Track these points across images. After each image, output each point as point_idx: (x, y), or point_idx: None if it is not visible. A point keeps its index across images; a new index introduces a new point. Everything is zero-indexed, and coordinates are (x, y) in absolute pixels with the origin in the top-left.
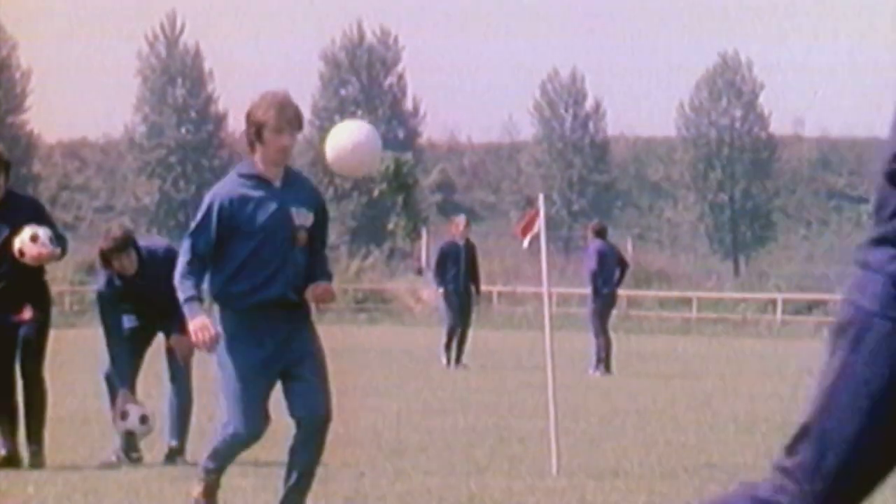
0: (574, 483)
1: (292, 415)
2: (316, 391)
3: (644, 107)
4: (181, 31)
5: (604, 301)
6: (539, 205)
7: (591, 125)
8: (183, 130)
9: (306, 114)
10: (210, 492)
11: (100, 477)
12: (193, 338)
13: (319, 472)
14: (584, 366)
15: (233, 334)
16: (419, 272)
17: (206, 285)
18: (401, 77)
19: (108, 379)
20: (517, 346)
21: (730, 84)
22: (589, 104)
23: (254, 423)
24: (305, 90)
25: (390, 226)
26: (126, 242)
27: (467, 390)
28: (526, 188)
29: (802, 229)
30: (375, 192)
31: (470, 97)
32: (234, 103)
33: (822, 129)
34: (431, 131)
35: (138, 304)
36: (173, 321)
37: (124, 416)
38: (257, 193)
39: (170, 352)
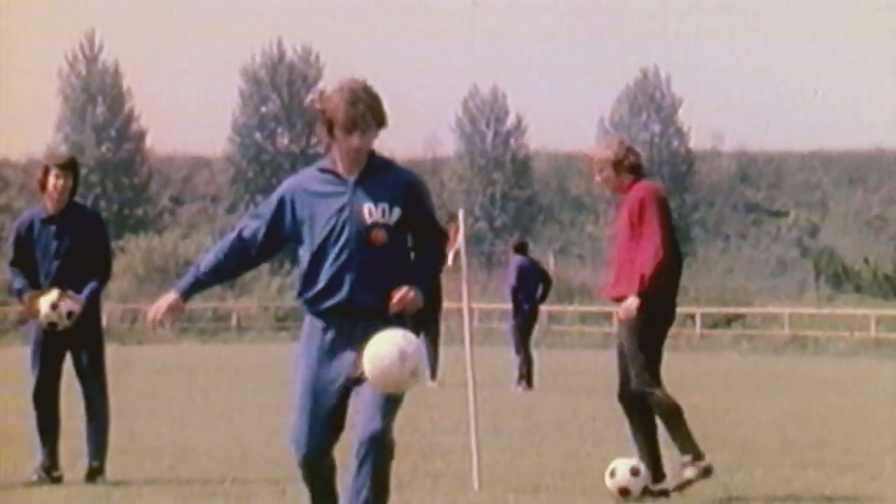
0: (496, 497)
1: (353, 440)
2: (373, 406)
3: (565, 122)
4: (100, 50)
5: (525, 317)
6: (460, 220)
7: (512, 141)
8: (104, 149)
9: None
10: None
11: (22, 496)
12: (150, 311)
13: (238, 489)
14: (505, 381)
15: (304, 343)
16: None
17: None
18: (322, 94)
19: (36, 398)
20: (439, 362)
21: (650, 99)
22: (510, 120)
23: (305, 444)
24: (226, 107)
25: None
26: (72, 162)
27: None
28: (448, 203)
29: (721, 243)
30: None
31: (392, 113)
32: (154, 121)
33: (740, 144)
34: None
35: (46, 257)
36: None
37: (55, 307)
38: (327, 188)
39: (80, 373)
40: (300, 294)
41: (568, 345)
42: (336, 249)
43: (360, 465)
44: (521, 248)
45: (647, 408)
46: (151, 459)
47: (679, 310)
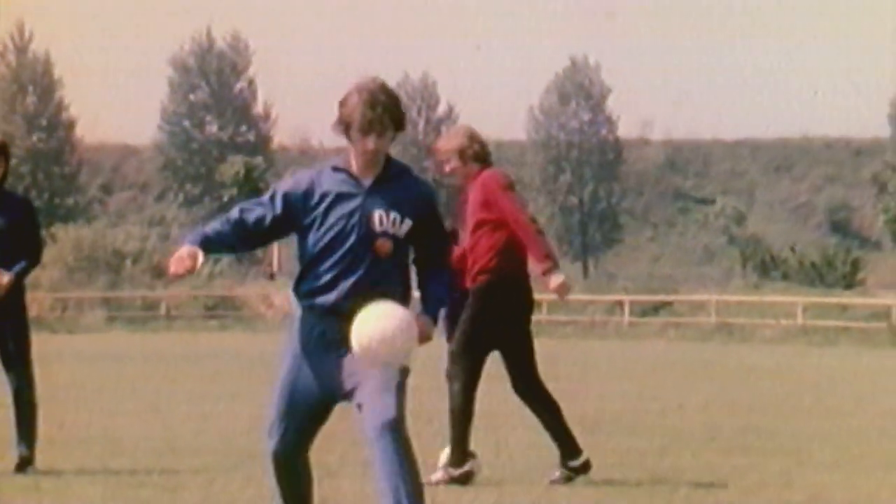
0: (426, 485)
1: (366, 434)
2: (383, 394)
3: (496, 110)
4: (30, 40)
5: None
6: None
7: (443, 129)
8: (34, 138)
9: (154, 119)
10: None
11: None
12: (171, 263)
13: (168, 479)
14: (439, 369)
15: (291, 336)
16: (271, 277)
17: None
18: (251, 81)
19: None
20: None
21: (579, 87)
22: (442, 108)
23: (278, 439)
24: (155, 96)
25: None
26: (3, 147)
27: None
28: None
29: (649, 231)
30: (225, 198)
31: (321, 101)
32: (84, 110)
33: (668, 132)
34: (283, 136)
35: None
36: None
37: None
38: (340, 188)
39: (6, 362)
40: (296, 286)
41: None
42: (340, 252)
43: (386, 458)
44: (453, 236)
45: (542, 394)
46: (81, 450)
47: (607, 297)
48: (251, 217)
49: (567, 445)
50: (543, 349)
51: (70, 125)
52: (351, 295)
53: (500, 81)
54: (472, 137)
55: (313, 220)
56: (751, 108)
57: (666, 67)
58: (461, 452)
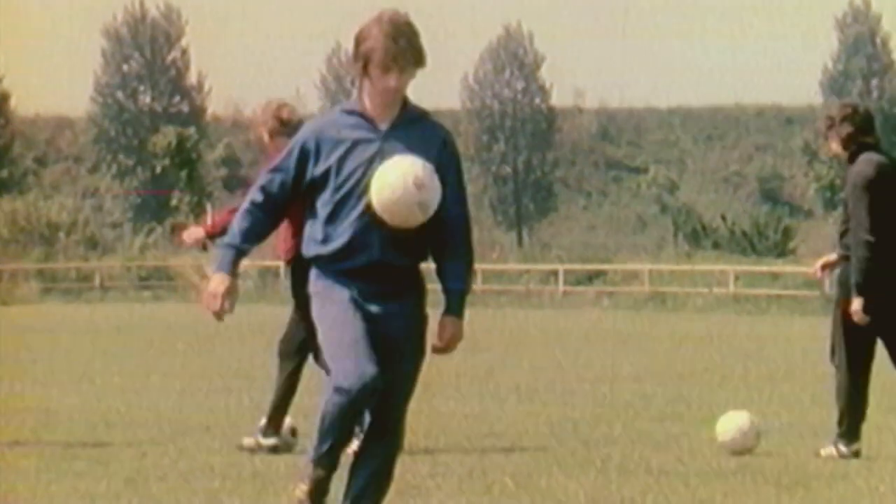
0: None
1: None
2: (396, 388)
3: (430, 78)
4: None
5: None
6: None
7: None
8: None
9: (88, 91)
10: (319, 490)
11: None
12: (203, 299)
13: (101, 452)
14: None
15: (327, 290)
16: (204, 248)
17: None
18: (184, 52)
19: None
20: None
21: (513, 56)
22: None
23: (362, 367)
24: (88, 66)
25: (174, 201)
26: None
27: (252, 367)
28: None
29: (583, 200)
30: (158, 168)
31: (256, 71)
32: (17, 83)
33: (601, 101)
34: (216, 106)
35: None
36: None
37: None
38: (355, 134)
39: None
40: (310, 251)
41: (430, 303)
42: (363, 203)
43: (370, 453)
44: None
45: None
46: (14, 421)
47: (542, 267)
48: (273, 191)
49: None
50: (479, 318)
51: (4, 97)
52: (386, 248)
53: (434, 50)
54: (280, 108)
55: (327, 172)
56: (683, 76)
57: (599, 36)
58: (277, 421)
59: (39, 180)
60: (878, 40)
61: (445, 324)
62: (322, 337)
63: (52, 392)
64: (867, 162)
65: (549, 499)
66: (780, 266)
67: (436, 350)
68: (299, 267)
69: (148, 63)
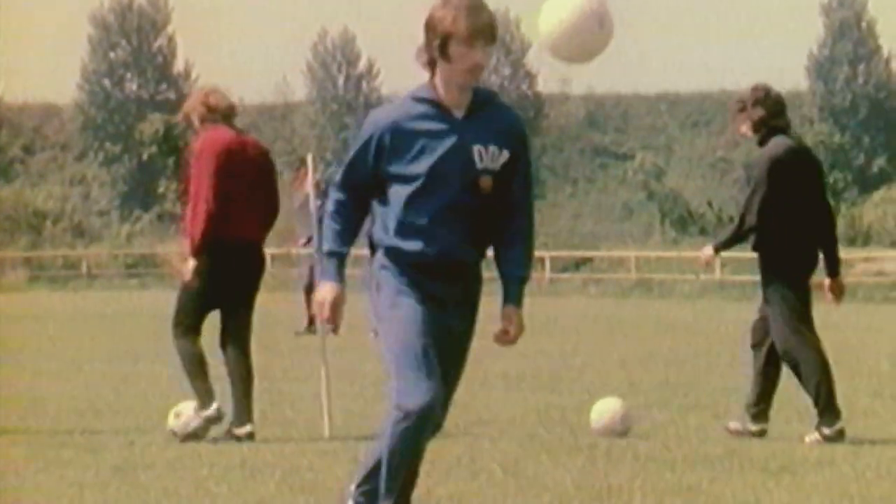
0: (346, 446)
1: None
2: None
3: (415, 66)
4: None
5: None
6: (308, 165)
7: (364, 85)
8: None
9: (75, 77)
10: None
11: None
12: (315, 309)
13: (89, 439)
14: (362, 328)
15: (395, 287)
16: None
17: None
18: (171, 39)
19: None
20: (292, 309)
21: (500, 42)
22: (362, 64)
23: (427, 390)
24: (75, 53)
25: (161, 189)
26: None
27: None
28: (300, 149)
29: (569, 187)
30: (145, 156)
31: (242, 58)
32: (4, 71)
33: (589, 87)
34: None
35: None
36: None
37: None
38: (431, 125)
39: None
40: (383, 241)
41: None
42: (440, 198)
43: (406, 439)
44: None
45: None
46: (2, 409)
47: None
48: (358, 181)
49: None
50: None
51: None
52: (460, 243)
53: (420, 36)
54: (209, 94)
55: (403, 165)
56: (669, 63)
57: None
58: (206, 396)
59: (27, 168)
60: (864, 25)
61: (510, 314)
62: (386, 343)
63: (39, 380)
64: (778, 145)
65: (536, 485)
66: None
67: (502, 341)
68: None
69: (135, 50)
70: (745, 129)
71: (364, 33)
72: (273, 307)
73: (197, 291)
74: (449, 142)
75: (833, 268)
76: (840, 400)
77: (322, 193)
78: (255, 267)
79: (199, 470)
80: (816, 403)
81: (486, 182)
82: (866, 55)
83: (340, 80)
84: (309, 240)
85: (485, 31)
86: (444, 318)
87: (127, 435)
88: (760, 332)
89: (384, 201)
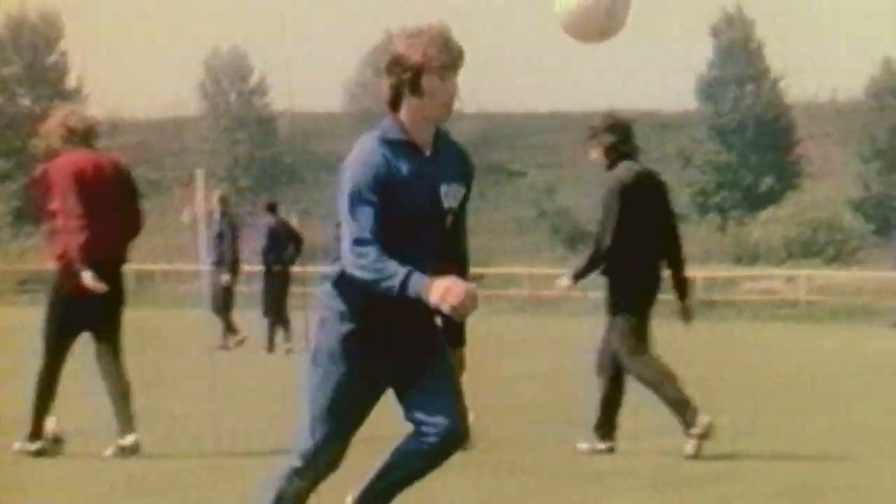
0: (234, 463)
1: (425, 436)
2: (452, 397)
3: (310, 82)
4: None
5: (275, 279)
6: (198, 182)
7: (255, 100)
8: None
9: None
10: None
11: None
12: (453, 302)
13: None
14: (249, 345)
15: (335, 334)
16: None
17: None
18: (64, 55)
19: None
20: (182, 325)
21: None
22: (254, 80)
23: (325, 459)
24: None
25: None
26: None
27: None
28: (192, 165)
29: (473, 204)
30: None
31: (135, 74)
32: None
33: (481, 105)
34: (96, 109)
35: None
36: None
37: None
38: (404, 167)
39: None
40: (345, 285)
41: (310, 306)
42: (417, 239)
43: (433, 457)
44: (272, 209)
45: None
46: None
47: None
48: (373, 232)
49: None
50: None
51: None
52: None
53: (314, 54)
54: (69, 115)
55: (383, 206)
56: (561, 81)
57: (479, 40)
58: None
59: None
60: (753, 46)
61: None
62: (312, 391)
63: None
64: (626, 169)
65: (426, 500)
66: None
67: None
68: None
69: (27, 66)
70: (596, 154)
71: (255, 50)
72: (161, 323)
73: (57, 313)
74: (422, 183)
75: (682, 291)
76: (726, 417)
77: (221, 212)
78: (115, 285)
79: (86, 487)
80: (677, 414)
81: (450, 220)
82: (754, 76)
83: (232, 96)
84: (219, 260)
85: (458, 62)
86: (397, 363)
87: (9, 453)
88: (603, 357)
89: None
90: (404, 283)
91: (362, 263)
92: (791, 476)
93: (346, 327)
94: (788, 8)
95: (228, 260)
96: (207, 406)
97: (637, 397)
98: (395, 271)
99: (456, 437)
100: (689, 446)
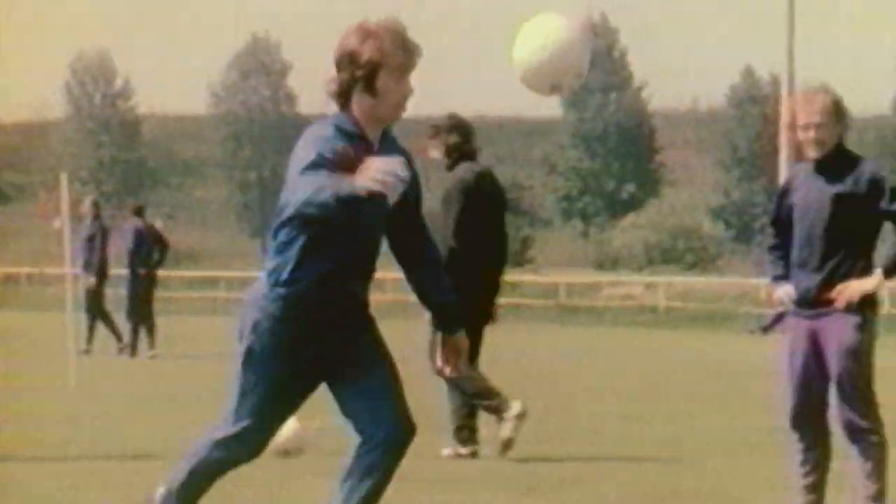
0: (95, 467)
1: (371, 436)
2: (395, 395)
3: (175, 85)
4: None
5: (140, 282)
6: (62, 185)
7: (120, 103)
8: None
9: None
10: None
11: None
12: (376, 177)
13: None
14: (112, 348)
15: (275, 331)
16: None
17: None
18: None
19: None
20: (47, 329)
21: (260, 64)
22: (118, 83)
23: (254, 447)
24: None
25: None
26: None
27: None
28: (57, 168)
29: None
30: None
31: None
32: None
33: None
34: None
35: None
36: None
37: None
38: (359, 156)
39: None
40: (280, 274)
41: (174, 311)
42: (355, 234)
43: (380, 462)
44: (138, 212)
45: None
46: None
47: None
48: (325, 176)
49: None
50: (224, 327)
51: None
52: (363, 275)
53: (178, 57)
54: None
55: None
56: (426, 87)
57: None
58: None
59: None
60: (616, 55)
61: (459, 342)
62: (243, 383)
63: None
64: (467, 170)
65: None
66: (518, 275)
67: (445, 374)
68: None
69: None
70: (437, 153)
71: (120, 52)
72: (25, 326)
73: None
74: None
75: (496, 292)
76: (585, 420)
77: (93, 216)
78: None
79: None
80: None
81: (387, 219)
82: (618, 83)
83: (97, 99)
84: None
85: (415, 61)
86: (332, 359)
87: None
88: None
89: (290, 239)
90: (337, 190)
91: (305, 181)
92: (644, 479)
93: (281, 328)
94: (652, 17)
95: (97, 263)
96: (66, 409)
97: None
98: (330, 183)
99: (404, 440)
100: (506, 430)
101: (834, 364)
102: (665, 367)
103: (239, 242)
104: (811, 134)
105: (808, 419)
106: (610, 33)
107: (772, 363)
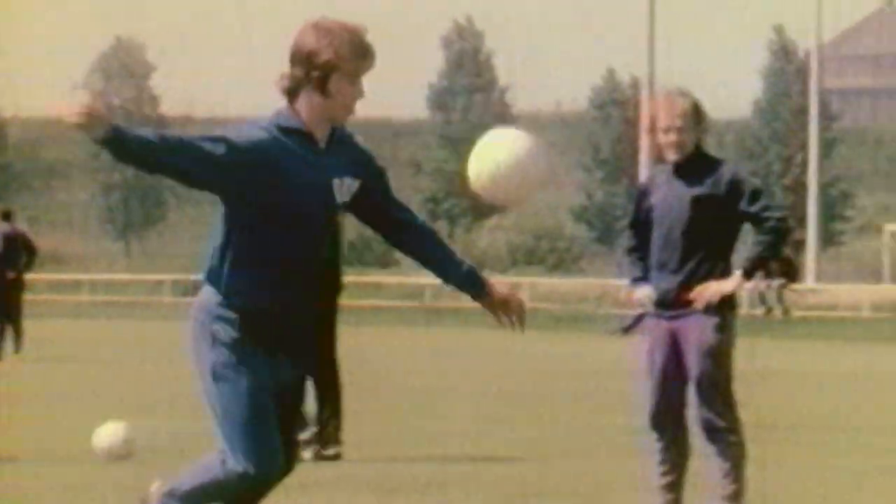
0: (14, 469)
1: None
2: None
3: (38, 86)
4: None
5: (7, 286)
6: None
7: None
8: None
9: None
10: None
11: None
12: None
13: None
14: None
15: (236, 340)
16: None
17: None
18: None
19: None
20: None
21: (124, 65)
22: None
23: (268, 458)
24: None
25: None
26: None
27: None
28: None
29: (192, 210)
30: None
31: None
32: None
33: (211, 109)
34: None
35: None
36: None
37: None
38: (296, 156)
39: None
40: (220, 280)
41: (37, 314)
42: (302, 233)
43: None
44: (6, 216)
45: None
46: None
47: (150, 277)
48: (203, 145)
49: None
50: (87, 330)
51: None
52: (314, 284)
53: (45, 59)
54: None
55: (262, 194)
56: None
57: (213, 45)
58: None
59: None
60: (482, 58)
61: (508, 298)
62: (226, 402)
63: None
64: None
65: None
66: (383, 277)
67: (511, 324)
68: None
69: None
70: None
71: None
72: None
73: None
74: (312, 174)
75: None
76: (449, 422)
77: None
78: None
79: None
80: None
81: (339, 217)
82: (483, 86)
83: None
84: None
85: (370, 65)
86: (280, 373)
87: None
88: None
89: (233, 238)
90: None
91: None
92: (508, 480)
93: (239, 335)
94: (516, 20)
95: None
96: None
97: (359, 405)
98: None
99: (270, 484)
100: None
101: (693, 364)
102: (528, 368)
103: (103, 244)
104: (671, 137)
105: (667, 419)
106: (475, 37)
107: (631, 363)
